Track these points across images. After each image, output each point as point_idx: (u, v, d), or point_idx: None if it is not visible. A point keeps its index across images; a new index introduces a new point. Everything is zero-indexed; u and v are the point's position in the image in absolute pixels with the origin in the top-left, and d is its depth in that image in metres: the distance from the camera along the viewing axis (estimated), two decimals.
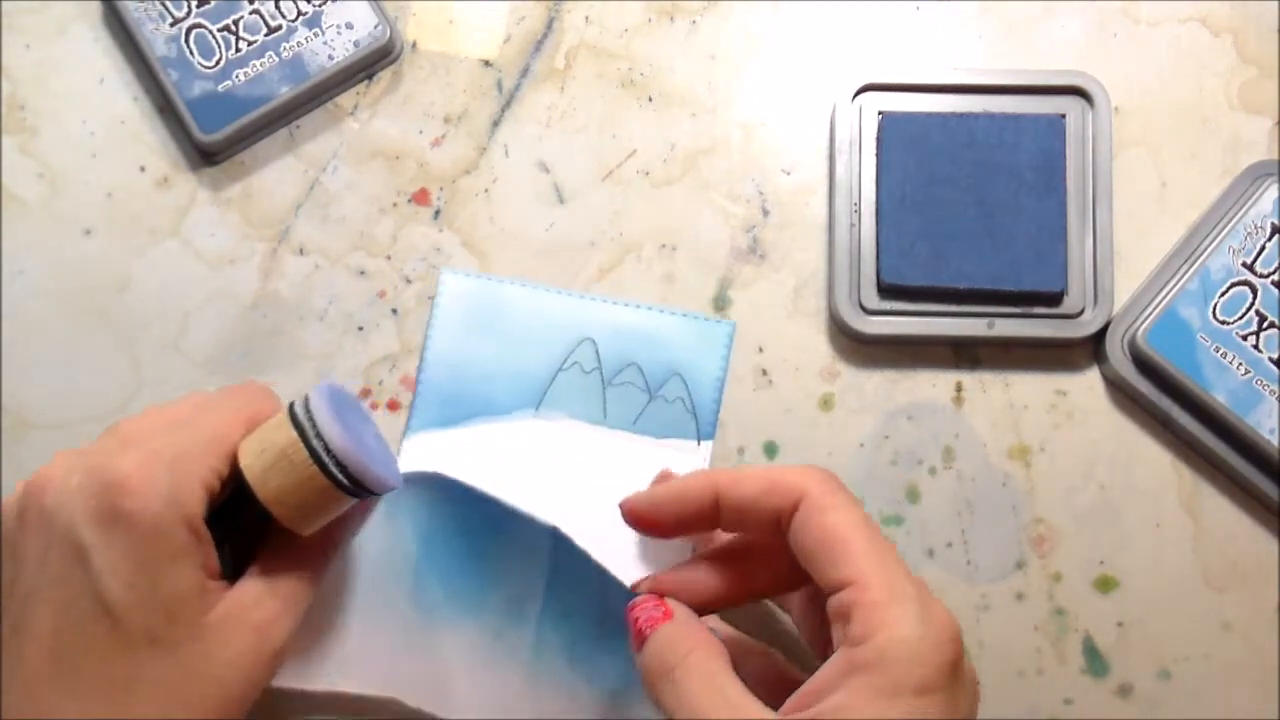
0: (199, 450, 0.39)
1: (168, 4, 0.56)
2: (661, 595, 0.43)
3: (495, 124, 0.58)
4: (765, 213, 0.57)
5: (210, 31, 0.56)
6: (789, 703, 0.38)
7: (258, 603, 0.40)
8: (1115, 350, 0.55)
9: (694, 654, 0.40)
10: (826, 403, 0.56)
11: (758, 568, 0.44)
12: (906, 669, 0.36)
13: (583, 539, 0.47)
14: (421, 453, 0.54)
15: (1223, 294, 0.54)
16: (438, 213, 0.57)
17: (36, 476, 0.39)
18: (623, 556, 0.46)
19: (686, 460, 0.54)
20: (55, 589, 0.37)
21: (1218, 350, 0.54)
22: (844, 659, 0.37)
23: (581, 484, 0.54)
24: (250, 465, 0.41)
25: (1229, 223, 0.55)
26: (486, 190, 0.57)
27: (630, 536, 0.46)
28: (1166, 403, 0.55)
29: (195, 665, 0.37)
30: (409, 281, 0.56)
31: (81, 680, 0.37)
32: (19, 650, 0.37)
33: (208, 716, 0.38)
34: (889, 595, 0.37)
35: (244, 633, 0.39)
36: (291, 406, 0.42)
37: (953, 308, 0.55)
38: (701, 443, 0.55)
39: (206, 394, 0.44)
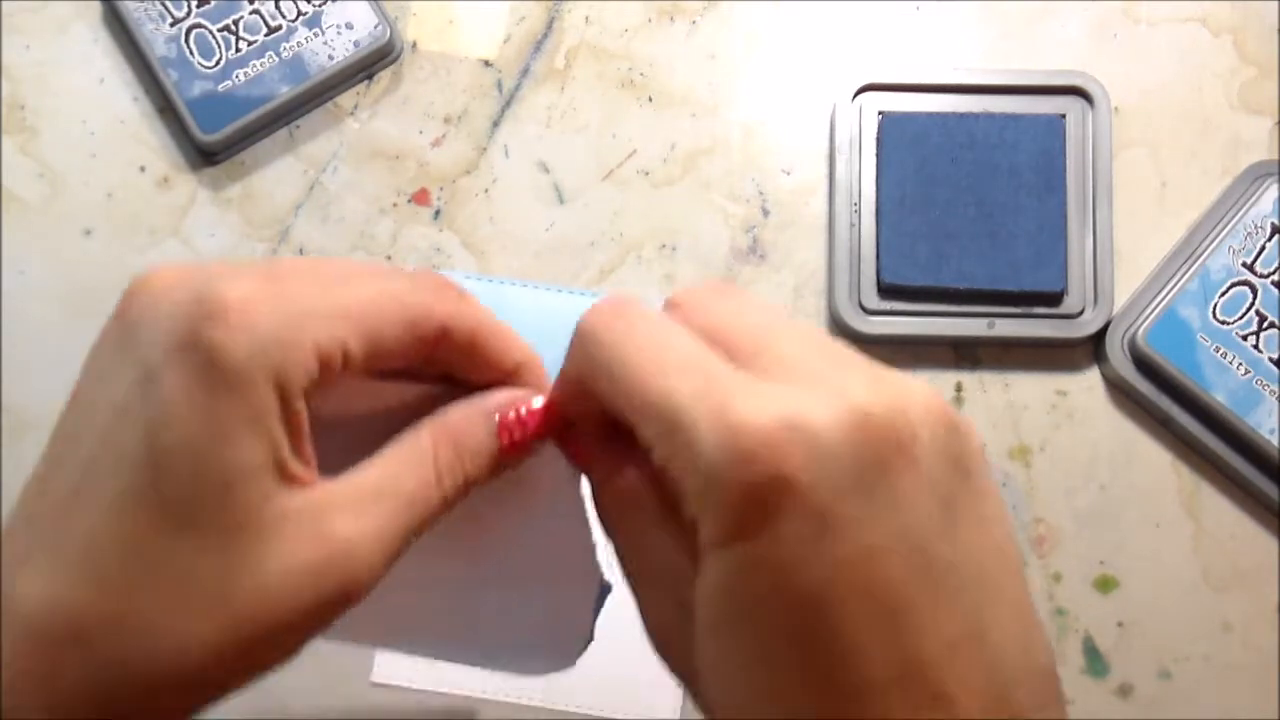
0: (330, 311, 0.30)
1: (168, 4, 0.56)
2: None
3: (495, 124, 0.58)
4: (765, 213, 0.57)
5: (210, 31, 0.56)
6: None
7: (341, 513, 0.29)
8: (1115, 350, 0.55)
9: (618, 512, 0.31)
10: None
11: None
12: (697, 512, 0.26)
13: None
14: None
15: (1223, 294, 0.54)
16: (438, 213, 0.57)
17: (141, 279, 0.31)
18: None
19: None
20: (108, 414, 0.29)
21: (1218, 350, 0.54)
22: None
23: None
24: None
25: (1229, 223, 0.55)
26: (486, 190, 0.57)
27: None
28: (1166, 403, 0.55)
29: (237, 563, 0.28)
30: None
31: (83, 528, 0.29)
32: (43, 475, 0.30)
33: (237, 633, 0.28)
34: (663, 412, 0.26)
35: (312, 542, 0.29)
36: None
37: (953, 308, 0.55)
38: None
39: (397, 270, 0.34)
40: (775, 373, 0.26)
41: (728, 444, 0.24)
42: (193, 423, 0.28)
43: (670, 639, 0.30)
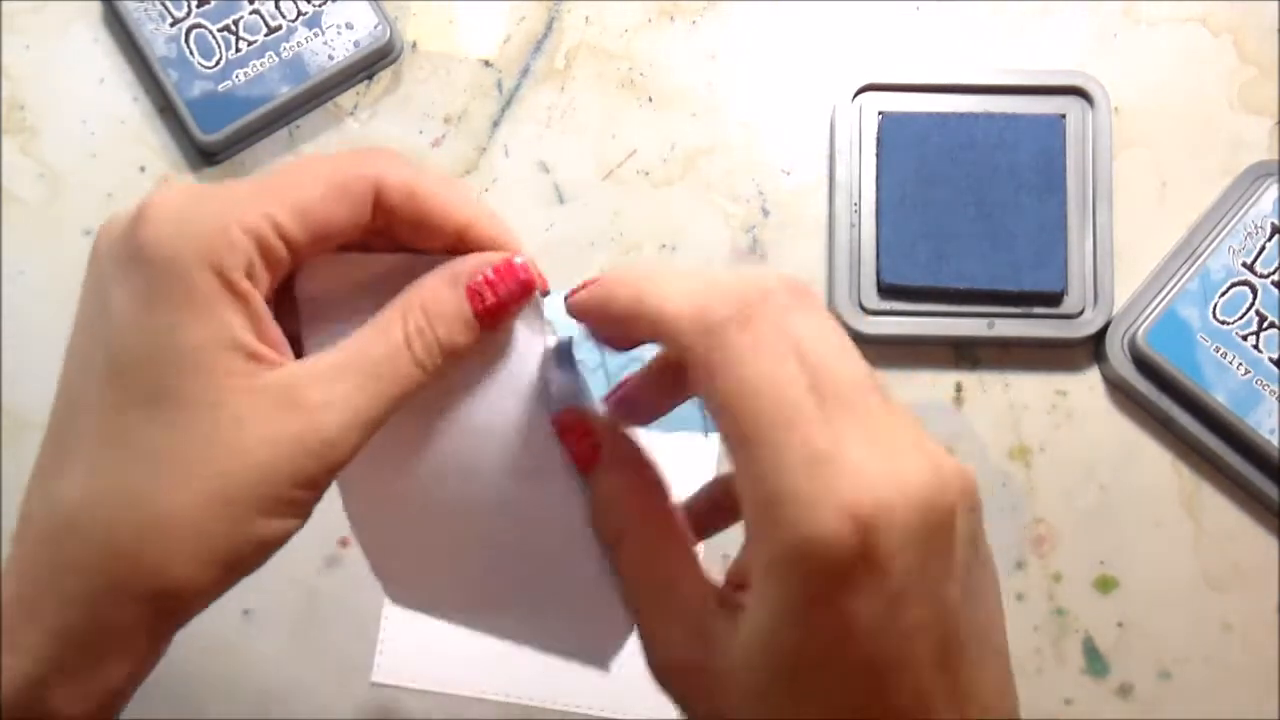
0: (253, 194, 0.31)
1: (168, 4, 0.56)
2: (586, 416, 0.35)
3: (495, 124, 0.58)
4: (765, 213, 0.57)
5: (210, 31, 0.56)
6: (730, 569, 0.35)
7: (311, 383, 0.31)
8: (1115, 350, 0.55)
9: (632, 530, 0.33)
10: None
11: None
12: (769, 572, 0.27)
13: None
14: None
15: (1223, 294, 0.54)
16: None
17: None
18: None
19: (695, 452, 0.55)
20: (79, 335, 0.32)
21: (1218, 350, 0.54)
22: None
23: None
24: None
25: (1229, 223, 0.55)
26: (486, 190, 0.57)
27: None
28: (1166, 403, 0.55)
29: (211, 433, 0.30)
30: None
31: (76, 440, 0.31)
32: (54, 407, 0.33)
33: (230, 494, 0.30)
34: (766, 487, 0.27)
35: (282, 409, 0.31)
36: None
37: (953, 308, 0.55)
38: (709, 434, 0.55)
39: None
40: (858, 435, 0.28)
41: (832, 525, 0.26)
42: (137, 314, 0.30)
43: (686, 675, 0.31)
